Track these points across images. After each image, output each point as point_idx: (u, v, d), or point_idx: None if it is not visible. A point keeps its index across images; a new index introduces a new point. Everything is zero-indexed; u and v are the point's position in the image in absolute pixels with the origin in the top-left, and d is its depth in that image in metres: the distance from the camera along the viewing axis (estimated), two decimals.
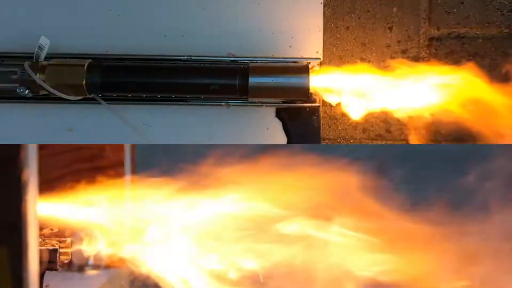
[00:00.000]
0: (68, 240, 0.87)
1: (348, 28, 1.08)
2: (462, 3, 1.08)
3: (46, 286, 0.82)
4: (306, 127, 1.04)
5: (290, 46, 1.03)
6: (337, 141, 1.09)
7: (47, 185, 0.86)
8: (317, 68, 1.02)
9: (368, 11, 1.08)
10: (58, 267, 0.84)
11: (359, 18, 1.08)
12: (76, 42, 1.03)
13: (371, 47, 1.08)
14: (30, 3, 1.04)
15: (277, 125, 1.04)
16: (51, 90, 0.95)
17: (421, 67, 0.97)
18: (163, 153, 1.01)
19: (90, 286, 0.84)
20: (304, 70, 0.97)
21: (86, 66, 0.96)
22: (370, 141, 1.09)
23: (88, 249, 0.87)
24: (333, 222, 0.84)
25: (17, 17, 1.04)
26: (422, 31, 1.08)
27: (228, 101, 1.02)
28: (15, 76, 0.97)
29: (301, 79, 0.96)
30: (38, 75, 0.95)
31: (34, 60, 0.98)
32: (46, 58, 0.99)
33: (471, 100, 0.92)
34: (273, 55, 1.03)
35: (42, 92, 0.97)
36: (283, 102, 1.03)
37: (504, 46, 1.08)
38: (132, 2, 1.03)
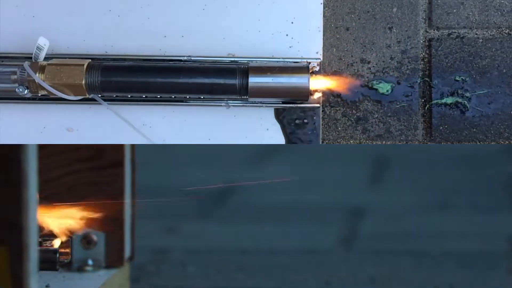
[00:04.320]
0: (68, 240, 0.87)
1: (348, 28, 1.08)
2: (462, 3, 1.08)
3: (47, 286, 0.82)
4: (306, 127, 1.04)
5: (290, 47, 1.04)
6: (337, 142, 1.09)
7: (47, 185, 0.86)
8: (317, 68, 1.02)
9: (368, 11, 1.08)
10: (58, 267, 0.84)
11: (359, 19, 1.08)
12: (75, 43, 1.03)
13: (371, 47, 1.08)
14: (30, 3, 1.03)
15: (277, 125, 1.04)
16: (51, 90, 0.95)
17: None
18: None
19: (90, 286, 0.84)
20: (304, 70, 0.97)
21: (85, 66, 0.96)
22: (370, 141, 1.09)
23: (88, 249, 0.87)
24: None
25: (17, 17, 1.03)
26: (422, 32, 1.08)
27: (228, 101, 1.02)
28: (14, 76, 0.97)
29: (301, 79, 0.96)
30: (37, 75, 0.95)
31: (33, 61, 0.98)
32: (45, 59, 0.99)
33: None
34: (273, 55, 1.03)
35: (42, 92, 0.97)
36: (283, 103, 1.03)
37: (504, 46, 1.08)
38: (132, 3, 1.03)
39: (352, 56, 1.08)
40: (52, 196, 0.86)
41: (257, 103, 1.02)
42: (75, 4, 1.03)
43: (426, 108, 1.08)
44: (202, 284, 0.99)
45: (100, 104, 1.00)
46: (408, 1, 1.08)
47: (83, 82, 0.95)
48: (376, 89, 1.08)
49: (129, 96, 1.01)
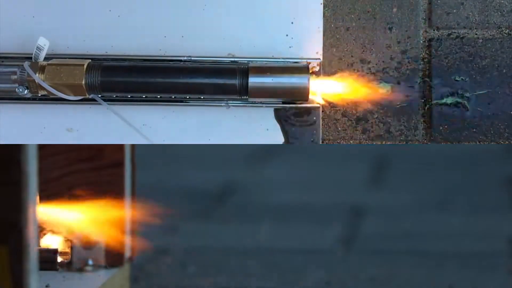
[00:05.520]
0: (68, 240, 0.87)
1: (348, 28, 1.08)
2: (462, 3, 1.08)
3: (47, 286, 0.82)
4: (306, 127, 1.04)
5: (290, 47, 1.03)
6: (337, 142, 1.09)
7: (47, 185, 0.86)
8: (317, 68, 1.02)
9: (368, 11, 1.08)
10: (58, 267, 0.84)
11: (359, 19, 1.08)
12: (76, 43, 1.03)
13: (371, 47, 1.08)
14: (30, 3, 1.03)
15: (277, 125, 1.04)
16: (51, 90, 0.95)
17: None
18: None
19: (90, 286, 0.84)
20: (304, 70, 0.97)
21: (85, 66, 0.96)
22: (370, 141, 1.09)
23: (88, 249, 0.87)
24: None
25: (17, 17, 1.03)
26: (422, 32, 1.08)
27: (228, 101, 1.02)
28: (14, 76, 0.97)
29: (301, 79, 0.96)
30: (37, 75, 0.95)
31: (33, 61, 0.98)
32: (45, 59, 0.99)
33: None
34: (273, 55, 1.03)
35: (42, 92, 0.97)
36: (283, 103, 1.03)
37: (504, 46, 1.08)
38: (132, 3, 1.03)
39: (352, 56, 1.08)
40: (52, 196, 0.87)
41: (257, 103, 1.02)
42: (75, 4, 1.03)
43: (426, 108, 1.08)
44: (202, 284, 0.99)
45: (100, 104, 1.00)
46: (408, 1, 1.08)
47: (83, 82, 0.95)
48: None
49: (129, 96, 1.01)
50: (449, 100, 1.08)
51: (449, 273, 1.02)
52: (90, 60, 0.98)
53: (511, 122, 1.08)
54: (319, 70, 1.02)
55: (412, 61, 1.08)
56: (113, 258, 0.88)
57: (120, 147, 0.90)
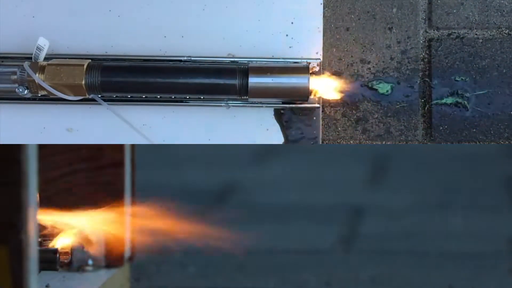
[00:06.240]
0: (68, 240, 0.87)
1: (348, 29, 1.08)
2: (462, 3, 1.08)
3: (46, 286, 0.82)
4: (306, 127, 1.04)
5: (290, 47, 1.04)
6: (337, 142, 1.09)
7: (47, 186, 0.86)
8: (317, 68, 1.02)
9: (368, 11, 1.08)
10: (58, 267, 0.84)
11: (358, 19, 1.08)
12: (76, 43, 1.03)
13: (371, 47, 1.08)
14: (30, 3, 1.03)
15: (277, 125, 1.04)
16: (51, 90, 0.95)
17: None
18: None
19: (90, 286, 0.84)
20: (304, 70, 0.97)
21: (85, 66, 0.96)
22: (370, 141, 1.09)
23: (88, 249, 0.87)
24: None
25: (17, 17, 1.03)
26: (421, 32, 1.08)
27: (228, 101, 1.02)
28: (14, 76, 0.97)
29: (301, 79, 0.97)
30: (37, 75, 0.95)
31: (33, 61, 0.98)
32: (45, 59, 0.99)
33: None
34: (273, 56, 1.03)
35: (42, 93, 0.97)
36: (283, 103, 1.03)
37: (504, 47, 1.08)
38: (132, 3, 1.03)
39: (352, 56, 1.08)
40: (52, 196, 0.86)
41: (257, 103, 1.02)
42: (75, 4, 1.03)
43: (426, 108, 1.08)
44: (202, 284, 0.99)
45: (100, 104, 1.00)
46: (408, 1, 1.08)
47: (83, 82, 0.95)
48: (376, 89, 1.08)
49: (129, 96, 1.01)
50: (449, 100, 1.08)
51: (449, 273, 1.02)
52: (90, 60, 0.98)
53: (511, 122, 1.08)
54: (319, 70, 1.02)
55: (412, 61, 1.08)
56: (113, 258, 0.88)
57: (120, 147, 0.90)
